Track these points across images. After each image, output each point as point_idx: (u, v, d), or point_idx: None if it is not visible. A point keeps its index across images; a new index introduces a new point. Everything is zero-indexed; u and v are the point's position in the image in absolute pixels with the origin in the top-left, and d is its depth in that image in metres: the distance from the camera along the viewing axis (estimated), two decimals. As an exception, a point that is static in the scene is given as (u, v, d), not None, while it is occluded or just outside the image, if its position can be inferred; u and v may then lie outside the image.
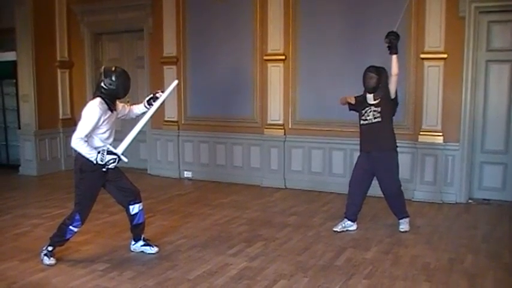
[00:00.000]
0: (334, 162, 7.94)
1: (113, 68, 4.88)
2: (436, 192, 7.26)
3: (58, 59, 10.01)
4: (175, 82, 5.37)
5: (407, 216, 5.99)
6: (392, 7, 7.31)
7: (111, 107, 4.82)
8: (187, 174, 9.20)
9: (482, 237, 5.77)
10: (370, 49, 7.50)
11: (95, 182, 4.87)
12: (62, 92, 10.11)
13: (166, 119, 9.32)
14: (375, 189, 7.51)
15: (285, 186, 8.24)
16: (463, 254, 5.13)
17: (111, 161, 4.75)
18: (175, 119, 9.27)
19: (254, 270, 4.75)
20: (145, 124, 5.14)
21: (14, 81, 9.88)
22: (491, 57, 7.07)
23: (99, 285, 4.44)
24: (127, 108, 5.24)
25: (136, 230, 5.22)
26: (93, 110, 4.69)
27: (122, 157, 4.83)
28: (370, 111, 5.74)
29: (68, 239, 4.99)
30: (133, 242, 5.27)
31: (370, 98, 5.77)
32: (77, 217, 4.86)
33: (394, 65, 5.63)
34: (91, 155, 4.68)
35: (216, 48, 8.73)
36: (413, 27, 7.22)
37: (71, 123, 10.06)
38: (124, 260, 5.04)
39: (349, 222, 5.98)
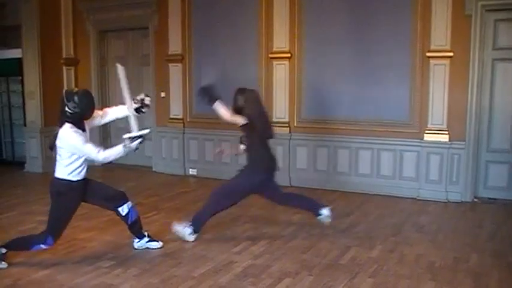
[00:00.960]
0: (339, 161, 7.93)
1: (75, 90, 4.80)
2: (441, 190, 7.24)
3: (64, 56, 10.06)
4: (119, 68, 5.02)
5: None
6: (398, 5, 7.32)
7: (81, 127, 4.71)
8: (192, 171, 9.21)
9: (488, 236, 5.76)
10: (375, 47, 7.51)
11: (74, 201, 4.78)
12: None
13: (171, 116, 9.33)
14: (381, 188, 7.54)
15: (290, 184, 8.22)
16: (468, 253, 5.12)
17: (138, 142, 4.75)
18: (180, 117, 9.28)
19: (259, 268, 4.75)
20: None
21: (20, 78, 9.91)
22: (497, 56, 7.03)
23: (104, 282, 4.46)
24: (99, 114, 5.02)
25: (135, 228, 5.20)
26: (73, 134, 4.58)
27: (144, 132, 4.80)
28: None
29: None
30: (137, 240, 5.26)
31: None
32: (50, 240, 4.75)
33: (220, 114, 5.40)
34: (119, 152, 4.71)
35: (221, 46, 8.73)
36: (419, 26, 7.20)
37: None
38: (129, 258, 5.05)
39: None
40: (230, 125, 8.19)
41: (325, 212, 5.67)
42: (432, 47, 7.12)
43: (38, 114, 9.64)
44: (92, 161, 4.79)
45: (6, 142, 10.70)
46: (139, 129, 4.81)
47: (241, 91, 5.50)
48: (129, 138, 4.74)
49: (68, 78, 10.14)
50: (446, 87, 7.11)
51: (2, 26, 10.09)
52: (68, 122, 4.63)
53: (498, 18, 6.97)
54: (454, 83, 7.09)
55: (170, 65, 9.17)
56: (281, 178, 8.17)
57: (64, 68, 10.08)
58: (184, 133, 9.25)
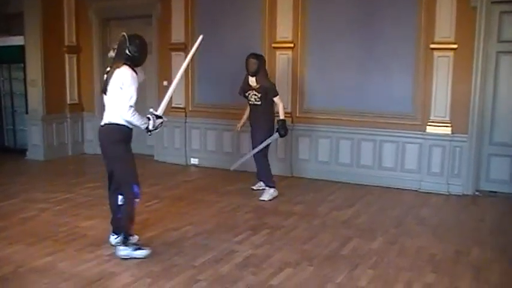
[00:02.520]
0: (341, 152, 7.91)
1: (138, 36, 4.78)
2: (443, 183, 7.23)
3: (66, 44, 9.99)
4: (201, 37, 5.20)
5: (271, 187, 6.86)
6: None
7: (136, 74, 4.67)
8: (193, 161, 9.21)
9: (489, 229, 5.76)
10: (379, 38, 7.48)
11: (130, 149, 4.76)
12: (70, 77, 10.10)
13: (173, 105, 9.30)
14: (383, 179, 7.54)
15: (291, 174, 8.22)
16: (469, 246, 5.11)
17: (160, 124, 4.76)
18: (182, 106, 9.25)
19: (259, 258, 4.76)
20: (179, 82, 5.16)
21: (22, 65, 9.86)
22: (502, 49, 6.98)
23: (105, 270, 4.46)
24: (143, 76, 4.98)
25: (120, 224, 4.88)
26: (132, 75, 4.53)
27: (164, 118, 4.84)
28: (252, 94, 6.77)
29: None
30: (115, 236, 4.97)
31: (252, 81, 6.73)
32: (136, 188, 4.69)
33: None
34: (144, 122, 4.64)
35: (224, 35, 8.68)
36: (423, 17, 7.16)
37: (78, 108, 10.18)
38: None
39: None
40: (233, 115, 8.22)
41: None
42: (436, 39, 7.07)
43: (40, 101, 9.61)
44: None
45: (8, 129, 10.67)
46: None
47: (256, 56, 6.79)
48: (155, 114, 4.73)
49: (70, 66, 10.09)
50: (450, 80, 7.08)
51: (4, 13, 10.05)
52: (127, 64, 4.58)
53: (504, 10, 6.90)
54: (458, 75, 7.05)
55: (173, 53, 9.13)
56: (283, 168, 8.25)
57: (66, 55, 10.01)
58: (186, 122, 9.23)
